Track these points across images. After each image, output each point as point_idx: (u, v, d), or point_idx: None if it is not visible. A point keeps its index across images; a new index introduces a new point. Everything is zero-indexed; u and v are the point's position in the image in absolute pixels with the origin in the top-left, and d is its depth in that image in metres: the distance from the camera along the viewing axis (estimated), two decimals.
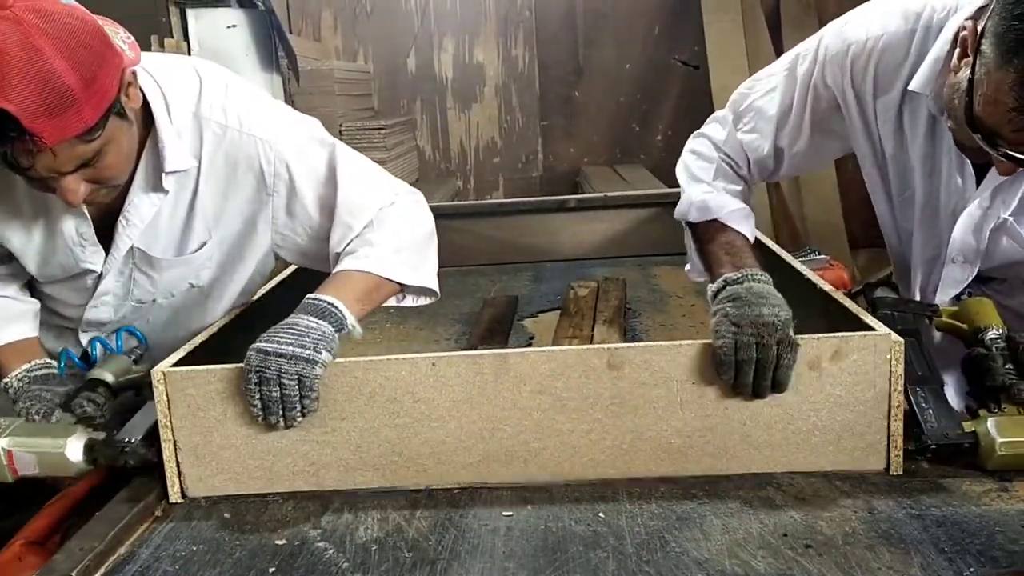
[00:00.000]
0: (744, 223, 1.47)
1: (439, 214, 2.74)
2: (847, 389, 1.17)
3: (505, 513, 1.14)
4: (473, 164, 5.03)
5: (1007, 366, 1.22)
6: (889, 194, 1.51)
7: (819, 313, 1.44)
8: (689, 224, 1.54)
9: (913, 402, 1.19)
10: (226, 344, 1.43)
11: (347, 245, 1.44)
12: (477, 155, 5.02)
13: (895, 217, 1.54)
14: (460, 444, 1.22)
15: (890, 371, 1.16)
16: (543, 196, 4.99)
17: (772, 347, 1.15)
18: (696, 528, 1.07)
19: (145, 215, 1.44)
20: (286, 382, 1.18)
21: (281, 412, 1.19)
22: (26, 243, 1.45)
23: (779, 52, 4.93)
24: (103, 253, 1.46)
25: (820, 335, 1.17)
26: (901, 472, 1.18)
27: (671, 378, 1.19)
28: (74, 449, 1.27)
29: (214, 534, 1.14)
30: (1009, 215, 1.38)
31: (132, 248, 1.46)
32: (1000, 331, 1.27)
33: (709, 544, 1.03)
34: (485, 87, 4.95)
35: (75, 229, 1.44)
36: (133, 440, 1.26)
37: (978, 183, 1.37)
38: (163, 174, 1.41)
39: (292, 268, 1.86)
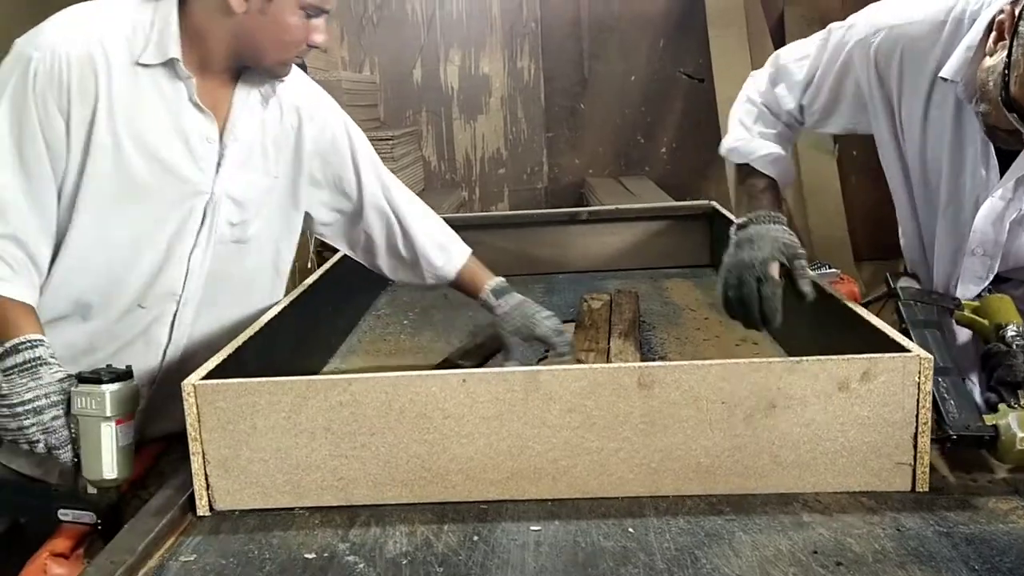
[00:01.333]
0: (771, 167, 1.61)
1: (454, 225, 2.76)
2: (875, 410, 1.18)
3: (533, 528, 1.15)
4: (478, 175, 5.04)
5: None
6: (909, 183, 1.55)
7: (840, 327, 1.45)
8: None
9: (935, 392, 1.20)
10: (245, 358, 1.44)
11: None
12: (482, 166, 5.04)
13: (915, 208, 1.57)
14: (489, 461, 1.23)
15: (918, 390, 1.17)
16: (548, 207, 5.03)
17: (751, 284, 1.33)
18: (725, 544, 1.08)
19: (250, 128, 1.57)
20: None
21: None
22: (143, 148, 1.47)
23: None
24: (214, 174, 1.54)
25: (849, 356, 1.18)
26: (927, 489, 1.19)
27: (701, 397, 1.19)
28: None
29: (243, 547, 1.15)
30: None
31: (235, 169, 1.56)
32: (1020, 328, 1.29)
33: (739, 561, 1.04)
34: (491, 98, 4.97)
35: (200, 133, 1.51)
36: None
37: (1002, 175, 1.39)
38: (275, 83, 1.57)
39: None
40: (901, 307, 1.33)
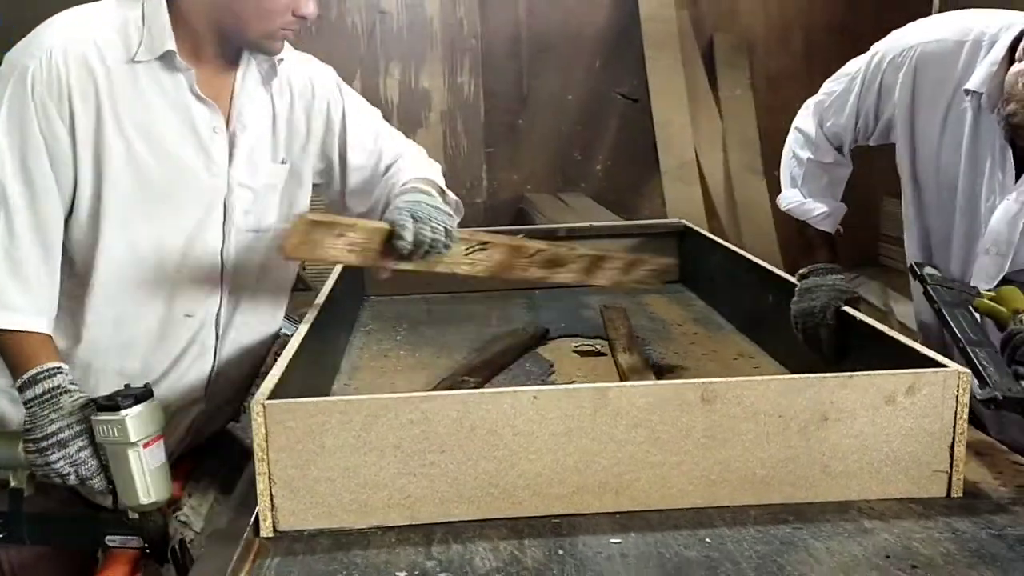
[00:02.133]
0: (825, 223, 1.90)
1: None
2: (917, 421, 1.27)
3: (613, 540, 1.19)
4: None
5: None
6: (918, 188, 1.71)
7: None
8: None
9: (975, 360, 1.32)
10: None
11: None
12: None
13: (922, 211, 1.74)
14: (556, 476, 1.26)
15: (956, 403, 1.26)
16: (487, 221, 5.05)
17: (813, 329, 1.62)
18: (803, 552, 1.14)
19: (256, 114, 1.55)
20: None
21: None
22: (154, 148, 1.45)
23: (714, 88, 5.18)
24: (227, 165, 1.52)
25: (896, 371, 1.27)
26: (962, 495, 1.28)
27: (759, 411, 1.26)
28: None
29: (327, 567, 1.14)
30: None
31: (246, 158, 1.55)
32: None
33: (822, 568, 1.10)
34: (431, 113, 4.98)
35: (207, 124, 1.49)
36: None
37: (1017, 179, 1.55)
38: (275, 60, 1.54)
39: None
40: (931, 290, 1.47)
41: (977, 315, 1.45)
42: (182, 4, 1.44)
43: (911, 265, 1.57)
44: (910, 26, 1.70)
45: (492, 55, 5.00)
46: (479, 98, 5.01)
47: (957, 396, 1.26)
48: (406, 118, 4.97)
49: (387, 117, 5.27)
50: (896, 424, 1.27)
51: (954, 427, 1.27)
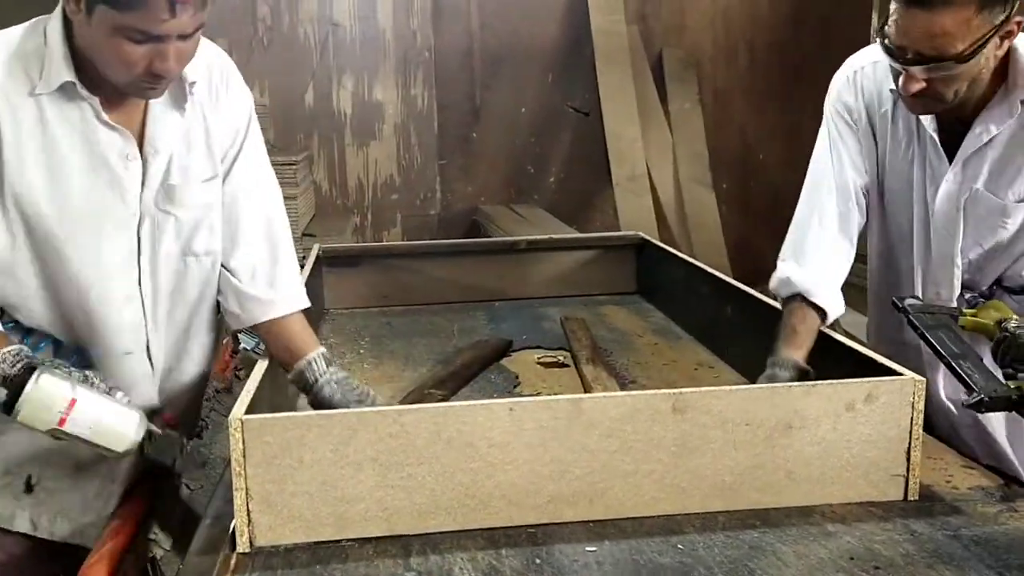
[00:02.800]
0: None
1: (390, 254, 2.77)
2: (876, 427, 1.32)
3: (588, 548, 1.21)
4: (371, 201, 5.03)
5: None
6: (883, 202, 1.74)
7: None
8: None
9: (960, 370, 1.35)
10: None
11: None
12: (375, 192, 5.03)
13: (888, 221, 1.76)
14: (531, 486, 1.28)
15: (912, 409, 1.32)
16: (441, 233, 5.08)
17: None
18: (771, 555, 1.18)
19: (169, 138, 1.47)
20: None
21: None
22: (60, 185, 1.40)
23: (664, 102, 5.28)
24: (139, 192, 1.46)
25: (856, 380, 1.32)
26: (917, 498, 1.34)
27: (728, 420, 1.30)
28: (138, 427, 1.31)
29: None
30: (979, 186, 1.61)
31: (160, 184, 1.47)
32: (1020, 319, 1.45)
33: (790, 571, 1.14)
34: (384, 124, 4.98)
35: (118, 152, 1.43)
36: (189, 442, 1.28)
37: (950, 163, 1.62)
38: (187, 85, 1.45)
39: None
40: (913, 319, 1.49)
41: (964, 333, 1.50)
42: (76, 35, 1.36)
43: (893, 300, 1.62)
44: (848, 60, 1.76)
45: (445, 68, 5.02)
46: (432, 110, 5.03)
47: (913, 403, 1.32)
48: (359, 130, 4.97)
49: (340, 129, 5.27)
50: (856, 431, 1.32)
51: (910, 432, 1.33)
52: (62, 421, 1.28)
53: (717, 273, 2.19)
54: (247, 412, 1.25)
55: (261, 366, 1.46)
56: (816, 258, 1.67)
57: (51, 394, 1.29)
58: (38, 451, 1.46)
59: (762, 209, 5.53)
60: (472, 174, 5.17)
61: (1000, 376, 1.35)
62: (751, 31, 5.49)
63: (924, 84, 1.45)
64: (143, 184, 1.47)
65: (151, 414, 1.43)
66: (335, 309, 2.60)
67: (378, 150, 5.01)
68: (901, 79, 1.47)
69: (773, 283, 1.70)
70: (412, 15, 4.91)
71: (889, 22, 1.45)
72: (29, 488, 1.49)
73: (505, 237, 3.89)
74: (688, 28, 5.42)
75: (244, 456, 1.22)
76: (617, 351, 2.17)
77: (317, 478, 1.24)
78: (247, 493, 1.23)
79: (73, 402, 1.29)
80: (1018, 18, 1.42)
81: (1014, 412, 1.32)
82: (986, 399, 1.30)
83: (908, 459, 1.34)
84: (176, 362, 1.60)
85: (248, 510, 1.23)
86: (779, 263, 1.71)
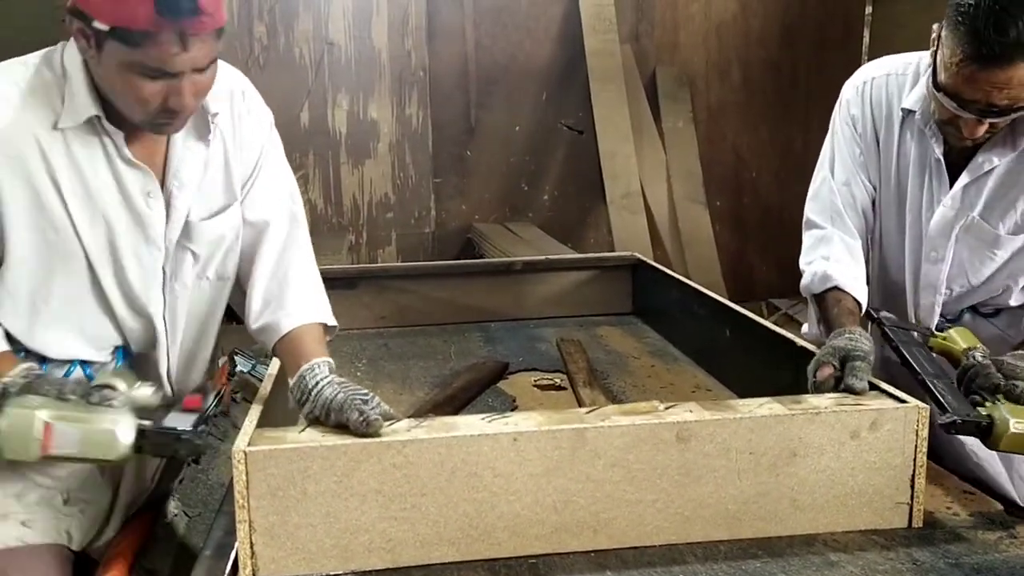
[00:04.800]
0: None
1: (386, 275, 2.77)
2: (880, 455, 1.32)
3: None
4: (366, 219, 5.03)
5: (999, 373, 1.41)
6: (878, 211, 1.77)
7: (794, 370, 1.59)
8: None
9: (934, 390, 1.38)
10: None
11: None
12: (370, 210, 5.03)
13: (883, 236, 1.78)
14: (535, 516, 1.28)
15: (916, 436, 1.32)
16: (436, 251, 5.08)
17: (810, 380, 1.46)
18: None
19: (192, 172, 1.48)
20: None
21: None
22: (97, 218, 1.42)
23: (658, 120, 5.30)
24: (163, 228, 1.47)
25: (860, 407, 1.32)
26: (922, 525, 1.34)
27: (731, 448, 1.30)
28: (125, 430, 1.24)
29: None
30: (975, 214, 1.64)
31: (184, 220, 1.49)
32: (986, 351, 1.49)
33: None
34: (379, 143, 4.99)
35: (140, 190, 1.43)
36: (185, 429, 1.25)
37: (951, 188, 1.65)
38: (209, 116, 1.45)
39: None
40: (888, 331, 1.53)
41: (932, 353, 1.52)
42: (93, 71, 1.35)
43: (867, 310, 1.64)
44: (863, 67, 1.79)
45: (440, 87, 5.04)
46: (427, 129, 5.03)
47: (917, 430, 1.32)
48: (354, 149, 4.97)
49: (335, 148, 5.27)
50: (860, 458, 1.32)
51: (915, 460, 1.33)
52: (44, 447, 1.24)
53: (710, 293, 2.20)
54: (250, 444, 1.24)
55: (263, 393, 1.45)
56: (844, 258, 1.71)
57: (22, 426, 1.24)
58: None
59: (754, 226, 5.56)
60: (467, 192, 5.18)
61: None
62: (744, 48, 5.52)
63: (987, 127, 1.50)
64: (168, 221, 1.48)
65: (169, 406, 1.40)
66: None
67: (373, 169, 5.01)
68: (967, 125, 1.50)
69: (807, 280, 1.73)
70: (407, 35, 4.93)
71: (953, 74, 1.46)
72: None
73: (499, 257, 3.90)
74: (681, 46, 5.45)
75: (247, 488, 1.21)
76: (613, 373, 2.17)
77: (321, 509, 1.23)
78: (250, 525, 1.22)
79: (48, 427, 1.24)
80: None
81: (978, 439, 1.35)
82: (958, 421, 1.32)
83: (912, 487, 1.34)
84: (185, 374, 1.62)
85: (251, 542, 1.23)
86: (807, 266, 1.74)
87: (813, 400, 1.36)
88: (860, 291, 1.68)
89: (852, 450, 1.32)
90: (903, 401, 1.35)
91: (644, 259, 2.74)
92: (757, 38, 5.52)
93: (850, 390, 1.38)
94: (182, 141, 1.46)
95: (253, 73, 4.81)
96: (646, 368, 2.23)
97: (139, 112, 1.33)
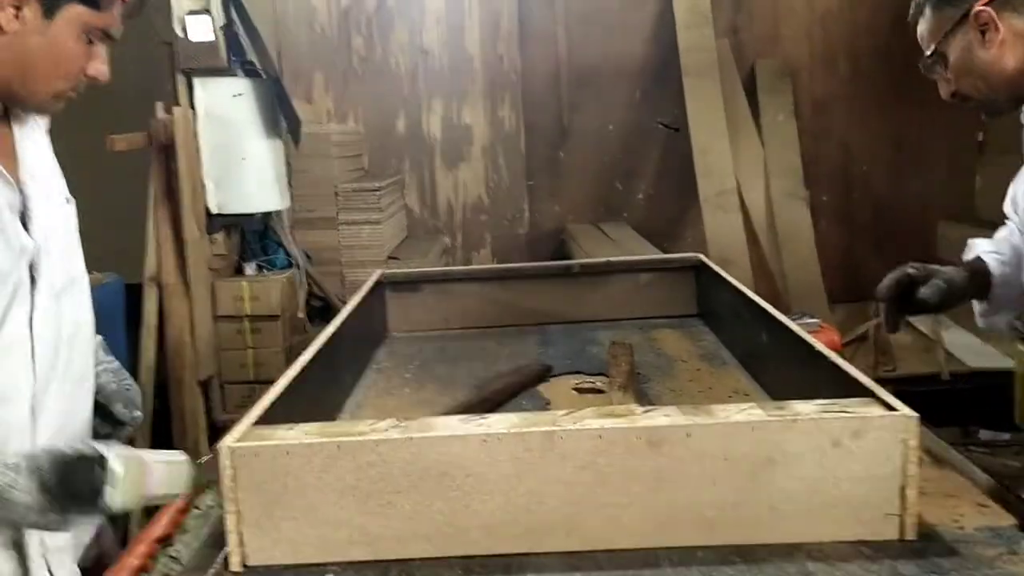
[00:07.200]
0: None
1: (448, 278, 2.84)
2: (866, 465, 1.28)
3: None
4: (461, 222, 5.15)
5: None
6: None
7: (829, 381, 1.55)
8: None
9: None
10: None
11: None
12: (465, 213, 5.15)
13: None
14: (508, 517, 1.30)
15: (905, 446, 1.27)
16: (529, 252, 5.14)
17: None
18: None
19: (38, 163, 1.39)
20: None
21: None
22: None
23: (756, 116, 5.17)
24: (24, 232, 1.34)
25: (841, 415, 1.28)
26: (916, 537, 1.28)
27: (705, 454, 1.28)
28: (187, 459, 1.37)
29: None
30: None
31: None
32: None
33: None
34: (472, 147, 5.10)
35: (6, 205, 1.31)
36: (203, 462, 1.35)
37: None
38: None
39: None
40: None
41: None
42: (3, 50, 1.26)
43: (1014, 326, 1.66)
44: None
45: (532, 90, 5.09)
46: (520, 132, 5.10)
47: (906, 440, 1.27)
48: (448, 153, 5.10)
49: (430, 153, 5.44)
50: (844, 467, 1.28)
51: (904, 470, 1.28)
52: (148, 487, 1.30)
53: (753, 296, 2.15)
54: (239, 440, 1.33)
55: (279, 386, 1.54)
56: (1002, 244, 1.77)
57: (136, 472, 1.27)
58: None
59: (865, 222, 5.33)
60: (560, 193, 5.21)
61: None
62: (852, 38, 5.31)
63: (949, 85, 1.59)
64: (26, 221, 1.35)
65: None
66: (397, 333, 2.69)
67: (467, 172, 5.12)
68: None
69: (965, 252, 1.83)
70: (499, 40, 5.01)
71: None
72: None
73: (583, 260, 3.91)
74: (783, 38, 5.30)
75: (235, 481, 1.29)
76: (656, 377, 2.15)
77: (302, 503, 1.30)
78: (238, 516, 1.30)
79: (146, 467, 1.29)
80: (979, 7, 1.46)
81: None
82: None
83: (903, 498, 1.29)
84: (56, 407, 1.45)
85: (240, 532, 1.31)
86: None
87: (796, 406, 1.32)
88: (995, 265, 1.73)
89: (835, 458, 1.28)
90: (893, 409, 1.30)
91: (705, 261, 2.70)
92: (866, 27, 5.30)
93: (921, 300, 1.58)
94: (25, 133, 1.39)
95: (352, 84, 5.02)
96: (691, 372, 2.20)
97: (57, 82, 1.29)
